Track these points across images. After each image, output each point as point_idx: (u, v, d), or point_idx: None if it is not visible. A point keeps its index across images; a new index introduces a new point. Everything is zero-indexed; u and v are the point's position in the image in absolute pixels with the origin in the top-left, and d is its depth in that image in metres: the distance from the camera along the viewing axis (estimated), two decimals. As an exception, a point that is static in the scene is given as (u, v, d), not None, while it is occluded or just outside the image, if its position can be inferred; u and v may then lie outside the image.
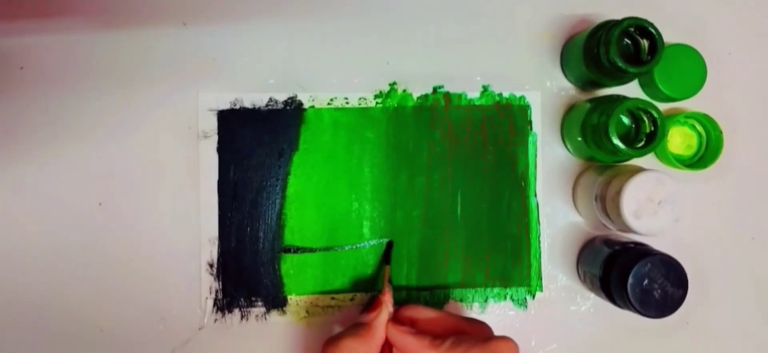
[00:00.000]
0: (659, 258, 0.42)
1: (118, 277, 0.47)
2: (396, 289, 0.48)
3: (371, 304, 0.43)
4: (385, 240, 0.49)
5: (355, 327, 0.41)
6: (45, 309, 0.47)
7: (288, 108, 0.48)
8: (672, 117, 0.48)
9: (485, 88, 0.49)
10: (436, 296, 0.49)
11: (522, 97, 0.49)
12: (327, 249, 0.48)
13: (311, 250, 0.48)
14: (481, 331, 0.41)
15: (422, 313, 0.42)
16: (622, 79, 0.45)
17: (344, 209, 0.49)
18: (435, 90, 0.49)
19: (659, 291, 0.41)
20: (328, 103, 0.49)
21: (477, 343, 0.38)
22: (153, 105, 0.48)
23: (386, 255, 0.48)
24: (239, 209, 0.48)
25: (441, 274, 0.49)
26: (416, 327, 0.41)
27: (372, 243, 0.49)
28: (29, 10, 0.47)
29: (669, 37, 0.44)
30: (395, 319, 0.42)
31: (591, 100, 0.47)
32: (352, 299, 0.48)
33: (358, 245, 0.49)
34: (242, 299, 0.48)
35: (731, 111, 0.49)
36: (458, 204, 0.49)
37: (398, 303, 0.44)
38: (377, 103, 0.49)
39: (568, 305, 0.49)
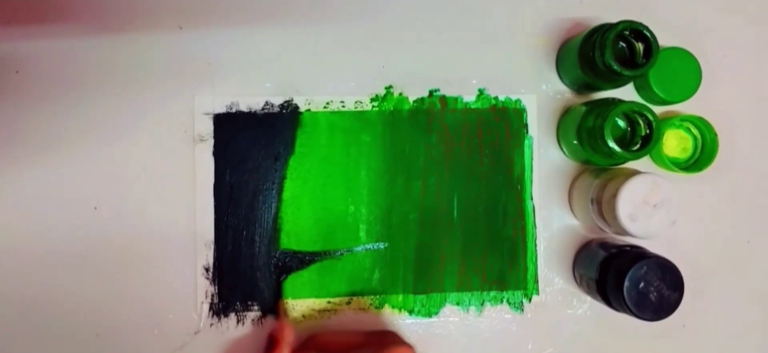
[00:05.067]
0: (655, 260, 0.42)
1: (113, 282, 0.47)
2: (393, 292, 0.48)
3: (270, 345, 0.44)
4: (382, 244, 0.49)
5: None
6: (40, 315, 0.47)
7: (284, 111, 0.48)
8: (667, 120, 0.48)
9: (481, 92, 0.49)
10: (432, 300, 0.49)
11: (518, 101, 0.50)
12: (322, 254, 0.48)
13: (305, 260, 0.48)
14: (383, 341, 0.42)
15: (327, 337, 0.44)
16: (618, 82, 0.45)
17: (340, 212, 0.48)
18: (431, 93, 0.49)
19: (655, 293, 0.41)
20: (324, 107, 0.49)
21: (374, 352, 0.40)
22: (148, 109, 0.48)
23: (279, 290, 0.48)
24: (235, 213, 0.48)
25: (437, 278, 0.49)
26: (324, 351, 0.42)
27: (368, 247, 0.49)
28: (25, 13, 0.47)
29: (664, 40, 0.44)
30: (300, 349, 0.43)
31: (586, 104, 0.47)
32: (348, 303, 0.48)
33: (354, 249, 0.49)
34: (238, 303, 0.48)
35: (726, 113, 0.50)
36: (454, 208, 0.49)
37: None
38: (373, 106, 0.49)
39: (565, 308, 0.49)
